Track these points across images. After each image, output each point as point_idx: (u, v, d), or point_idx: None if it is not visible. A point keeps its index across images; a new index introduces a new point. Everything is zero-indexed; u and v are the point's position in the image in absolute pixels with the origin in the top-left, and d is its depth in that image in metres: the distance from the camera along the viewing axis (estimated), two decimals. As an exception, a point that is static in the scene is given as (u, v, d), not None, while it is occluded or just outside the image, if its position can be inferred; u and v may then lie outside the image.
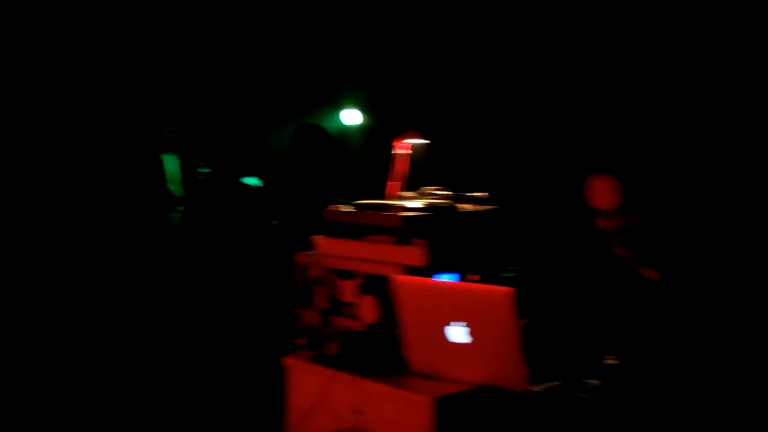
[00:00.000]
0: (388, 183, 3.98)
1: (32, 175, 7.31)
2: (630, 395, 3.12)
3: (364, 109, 8.45)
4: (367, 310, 3.50)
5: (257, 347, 5.84)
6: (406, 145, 4.03)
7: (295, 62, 8.37)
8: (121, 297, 6.94)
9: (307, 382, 3.49)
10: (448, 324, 3.09)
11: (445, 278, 3.45)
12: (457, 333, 3.08)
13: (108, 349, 6.59)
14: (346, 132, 8.58)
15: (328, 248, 3.76)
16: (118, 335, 6.75)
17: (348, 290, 3.64)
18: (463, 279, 3.50)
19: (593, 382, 3.17)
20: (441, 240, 3.48)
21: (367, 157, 8.22)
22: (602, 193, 3.39)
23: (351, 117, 8.48)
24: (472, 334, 3.05)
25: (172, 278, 6.43)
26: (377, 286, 3.50)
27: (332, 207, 3.83)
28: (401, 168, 4.02)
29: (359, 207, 3.75)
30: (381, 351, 3.32)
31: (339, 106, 8.53)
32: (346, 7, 7.82)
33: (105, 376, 6.21)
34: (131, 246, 7.08)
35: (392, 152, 4.01)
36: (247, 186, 6.92)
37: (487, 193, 3.88)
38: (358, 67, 8.20)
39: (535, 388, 3.05)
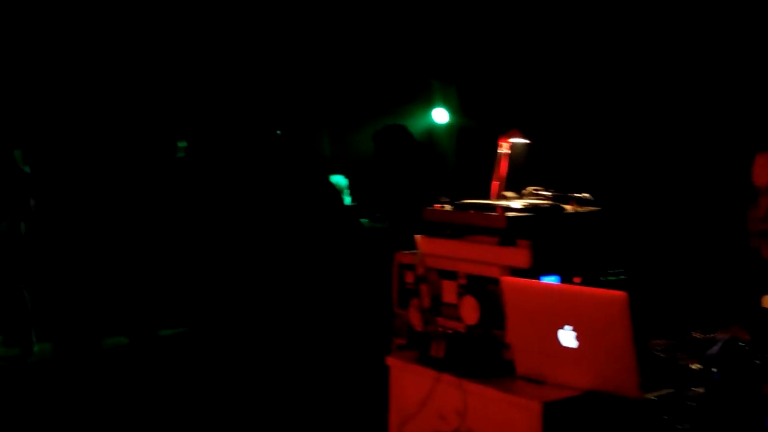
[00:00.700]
0: (492, 183, 3.93)
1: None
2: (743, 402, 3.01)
3: (456, 108, 8.38)
4: (469, 311, 3.46)
5: (357, 346, 5.86)
6: (508, 145, 3.98)
7: (385, 59, 8.36)
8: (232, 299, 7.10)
9: (411, 383, 3.46)
10: (557, 327, 3.03)
11: (548, 280, 3.39)
12: (567, 337, 3.02)
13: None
14: (436, 130, 8.53)
15: (430, 248, 3.73)
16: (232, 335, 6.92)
17: (450, 291, 3.60)
18: (565, 281, 3.43)
19: (699, 390, 3.08)
20: (545, 241, 3.42)
21: (458, 156, 8.17)
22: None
23: (442, 115, 8.42)
24: (582, 338, 2.98)
25: (277, 278, 6.51)
26: (479, 286, 3.46)
27: (434, 206, 3.80)
28: (504, 168, 3.97)
29: (462, 207, 3.71)
30: (487, 353, 3.28)
31: (429, 104, 8.48)
32: (437, 2, 7.78)
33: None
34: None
35: (497, 151, 3.96)
36: (336, 185, 6.93)
37: (589, 195, 3.81)
38: (450, 65, 8.15)
39: (648, 395, 2.97)
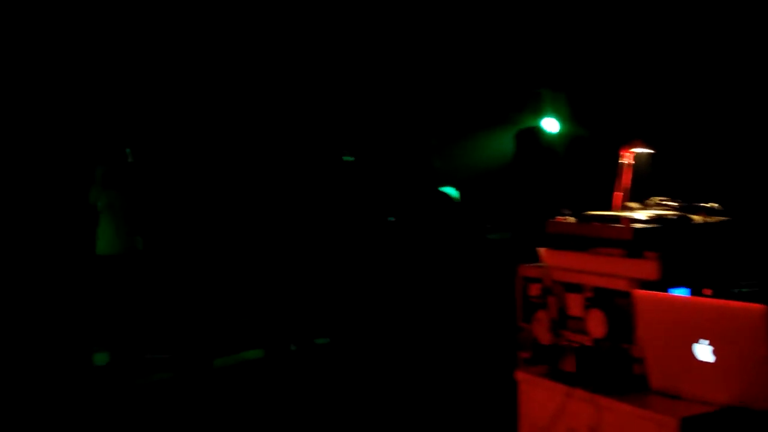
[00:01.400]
0: (615, 193, 3.89)
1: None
2: None
3: (566, 116, 8.29)
4: (596, 324, 3.42)
5: (480, 359, 5.85)
6: (631, 155, 3.93)
7: (494, 69, 8.34)
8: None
9: (541, 397, 3.44)
10: (693, 341, 2.97)
11: (677, 293, 3.33)
12: (703, 351, 2.95)
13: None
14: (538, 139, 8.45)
15: (554, 260, 3.70)
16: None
17: (575, 304, 3.56)
18: (695, 294, 3.36)
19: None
20: (673, 253, 3.35)
21: (569, 165, 8.08)
22: None
23: (552, 125, 8.34)
24: (719, 352, 2.91)
25: (404, 292, 6.55)
26: (606, 299, 3.42)
27: (557, 218, 3.77)
28: (627, 178, 3.92)
29: (586, 218, 3.67)
30: (619, 368, 3.24)
31: (538, 114, 8.41)
32: (547, 8, 7.71)
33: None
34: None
35: (619, 161, 3.92)
36: (449, 196, 6.94)
37: (718, 204, 3.72)
38: (561, 73, 8.06)
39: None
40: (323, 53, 8.24)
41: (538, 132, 6.97)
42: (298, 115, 8.24)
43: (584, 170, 6.48)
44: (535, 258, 3.83)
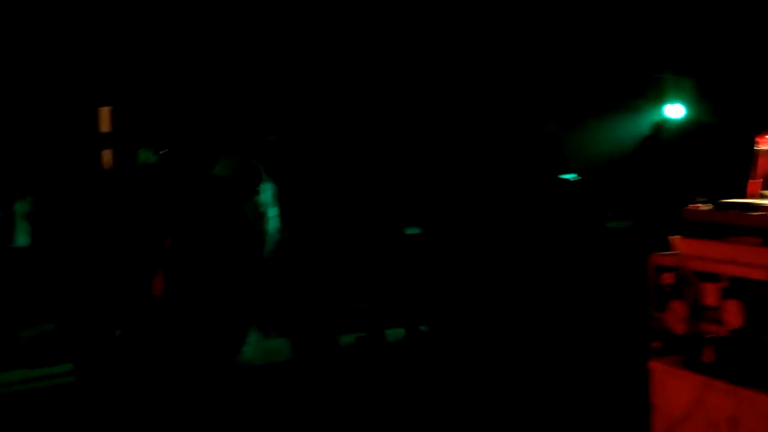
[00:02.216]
0: (750, 181, 3.78)
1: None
2: None
3: (691, 102, 8.09)
4: (733, 314, 3.34)
5: (609, 350, 5.78)
6: (768, 141, 3.83)
7: (616, 53, 8.20)
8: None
9: (677, 388, 3.39)
10: (840, 334, 2.88)
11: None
12: None
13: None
14: (666, 125, 8.28)
15: (688, 249, 3.63)
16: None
17: (711, 293, 3.49)
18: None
19: None
20: (815, 242, 3.25)
21: (694, 153, 7.89)
22: None
23: (675, 110, 8.14)
24: None
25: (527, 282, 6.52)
26: (743, 289, 3.33)
27: (691, 206, 3.70)
28: (763, 166, 3.81)
29: (723, 206, 3.59)
30: (761, 359, 3.16)
31: (660, 100, 8.23)
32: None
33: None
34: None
35: (754, 149, 3.81)
36: (569, 182, 6.84)
37: None
38: (686, 56, 7.86)
39: None
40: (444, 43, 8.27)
41: (662, 119, 6.81)
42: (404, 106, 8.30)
43: (710, 158, 6.28)
44: (659, 247, 3.76)
